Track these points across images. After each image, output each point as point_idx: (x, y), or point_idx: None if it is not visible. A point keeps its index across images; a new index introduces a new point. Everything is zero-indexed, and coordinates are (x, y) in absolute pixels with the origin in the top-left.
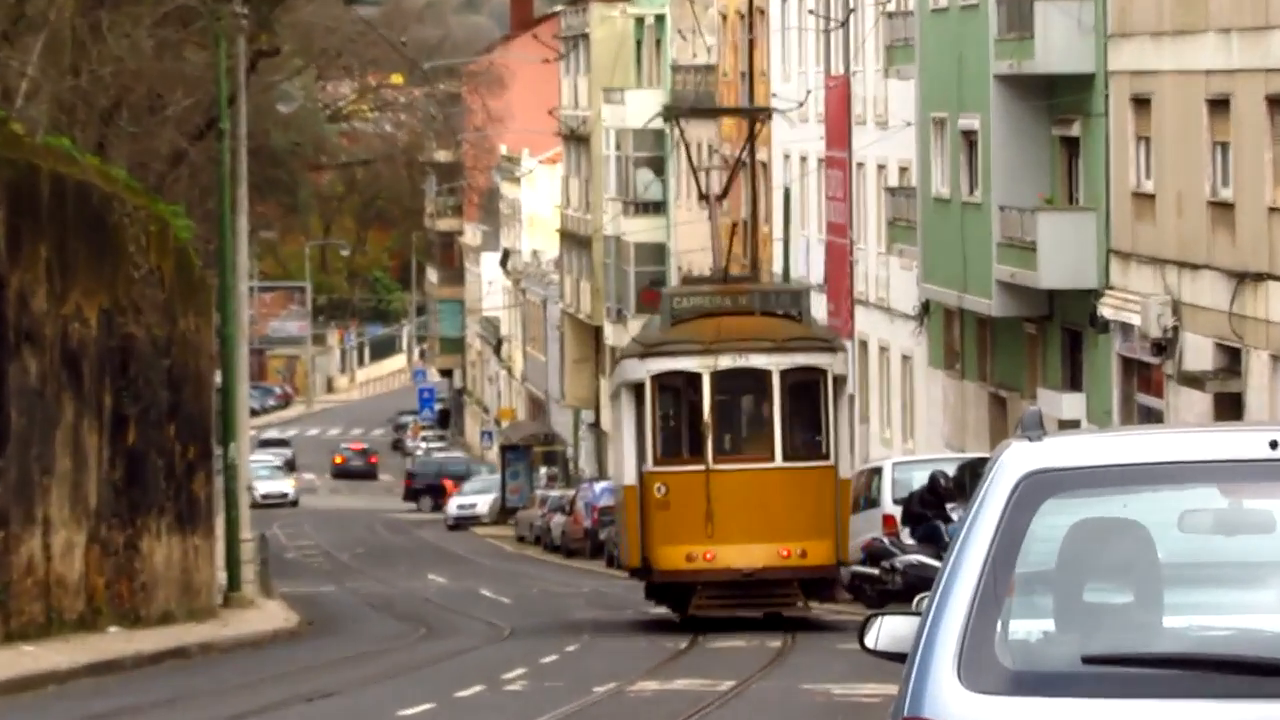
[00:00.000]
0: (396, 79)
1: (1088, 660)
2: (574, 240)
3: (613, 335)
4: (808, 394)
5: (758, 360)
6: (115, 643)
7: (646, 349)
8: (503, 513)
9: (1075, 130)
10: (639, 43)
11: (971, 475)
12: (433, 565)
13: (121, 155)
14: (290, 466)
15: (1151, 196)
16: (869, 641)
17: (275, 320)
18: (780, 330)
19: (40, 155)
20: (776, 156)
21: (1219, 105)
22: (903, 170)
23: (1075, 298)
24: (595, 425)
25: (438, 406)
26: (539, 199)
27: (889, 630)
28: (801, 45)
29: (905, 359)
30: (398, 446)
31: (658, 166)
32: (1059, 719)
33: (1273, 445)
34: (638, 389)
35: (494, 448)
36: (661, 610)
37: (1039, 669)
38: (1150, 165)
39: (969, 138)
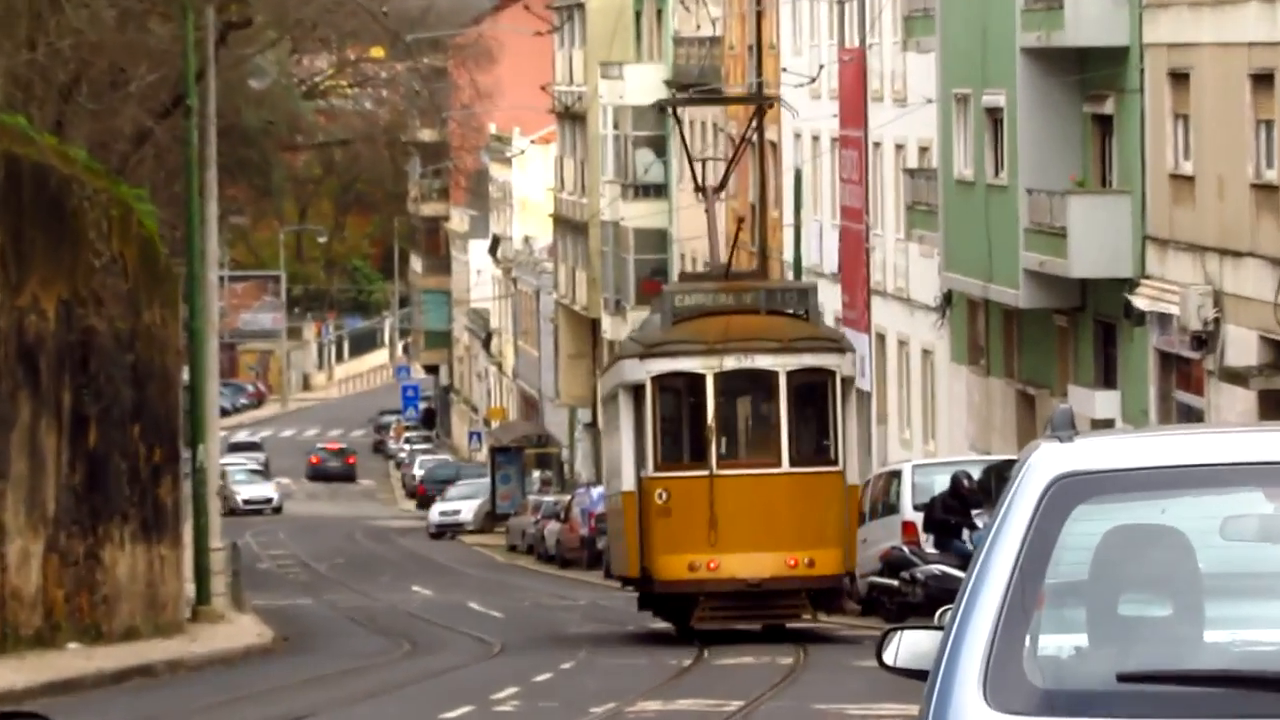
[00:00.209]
0: (377, 52)
1: (1123, 678)
2: (569, 226)
3: (611, 328)
4: (815, 396)
5: (763, 361)
6: (75, 660)
7: (646, 349)
8: (493, 519)
9: (1108, 107)
10: (638, 13)
11: (997, 479)
12: (417, 576)
13: (81, 134)
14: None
15: (1190, 179)
16: (888, 658)
17: (247, 313)
18: (787, 329)
19: None
20: (786, 136)
21: (1263, 80)
22: (923, 151)
23: (1109, 288)
24: (592, 425)
25: (422, 406)
26: (531, 182)
27: (909, 645)
28: (813, 16)
29: (926, 354)
30: (379, 449)
31: (659, 147)
32: None
33: None
34: (637, 391)
35: (483, 450)
36: (660, 624)
37: (1070, 687)
38: (1189, 145)
39: (994, 116)
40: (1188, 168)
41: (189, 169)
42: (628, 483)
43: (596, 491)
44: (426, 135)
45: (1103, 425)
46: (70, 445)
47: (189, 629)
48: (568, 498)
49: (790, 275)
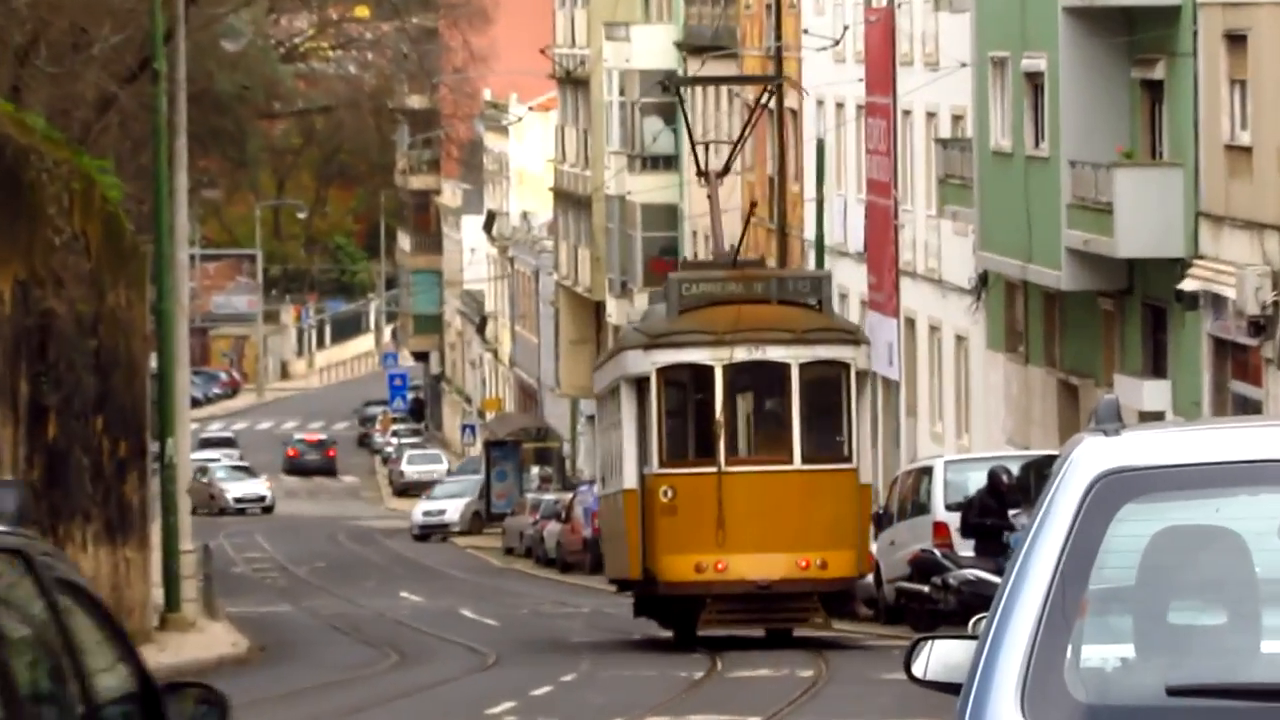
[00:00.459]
0: (361, 11)
1: (1173, 692)
2: (570, 201)
3: (616, 312)
4: (829, 390)
5: (775, 353)
6: None
7: (651, 339)
8: (487, 519)
9: (1158, 72)
10: None
11: (1037, 476)
12: (405, 581)
13: (40, 100)
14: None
15: (1248, 150)
16: (917, 670)
17: (220, 295)
18: (799, 320)
19: None
20: (808, 103)
21: None
22: (956, 119)
23: (1158, 268)
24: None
25: (411, 396)
26: (529, 153)
27: (941, 657)
28: None
29: (959, 340)
30: (364, 443)
31: (668, 115)
32: None
33: None
34: (641, 383)
35: (477, 444)
36: (652, 629)
37: (1116, 702)
38: (1246, 113)
39: (1034, 81)
40: (1245, 138)
41: (156, 138)
42: (629, 480)
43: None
44: (415, 102)
45: (1152, 418)
46: (28, 438)
47: (157, 638)
48: (569, 496)
49: (812, 255)
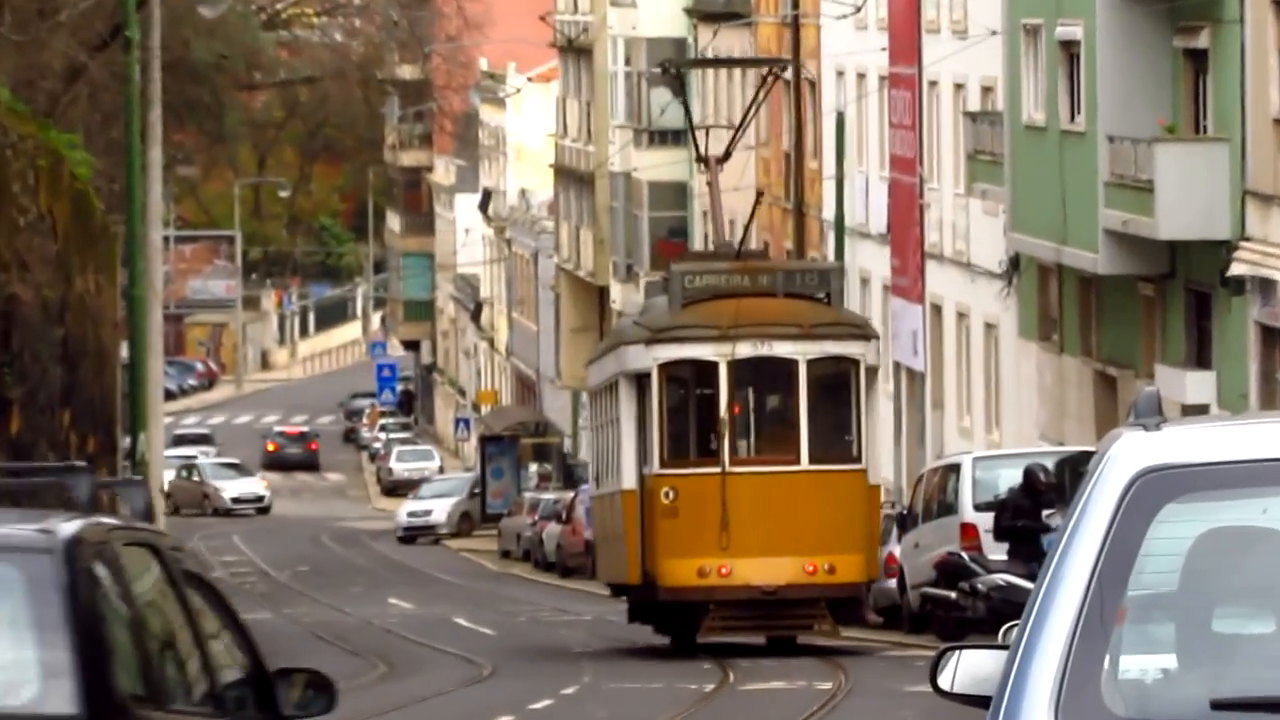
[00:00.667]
0: None
1: (1217, 705)
2: (572, 178)
3: (620, 298)
4: (838, 387)
5: (782, 348)
6: None
7: (653, 334)
8: (482, 520)
9: (1203, 41)
10: None
11: (1072, 474)
12: (395, 587)
13: (4, 71)
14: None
15: None
16: (944, 682)
17: (197, 279)
18: (807, 314)
19: None
20: (828, 72)
21: None
22: (986, 91)
23: (1202, 251)
24: None
25: (400, 388)
26: (528, 127)
27: (969, 667)
28: None
29: (989, 328)
30: (351, 438)
31: (677, 86)
32: None
33: None
34: (641, 380)
35: (471, 439)
36: (653, 637)
37: (1156, 715)
38: None
39: (1069, 50)
40: None
41: (129, 111)
42: (628, 480)
43: None
44: (406, 72)
45: (1195, 411)
46: None
47: None
48: (570, 495)
49: (831, 236)
